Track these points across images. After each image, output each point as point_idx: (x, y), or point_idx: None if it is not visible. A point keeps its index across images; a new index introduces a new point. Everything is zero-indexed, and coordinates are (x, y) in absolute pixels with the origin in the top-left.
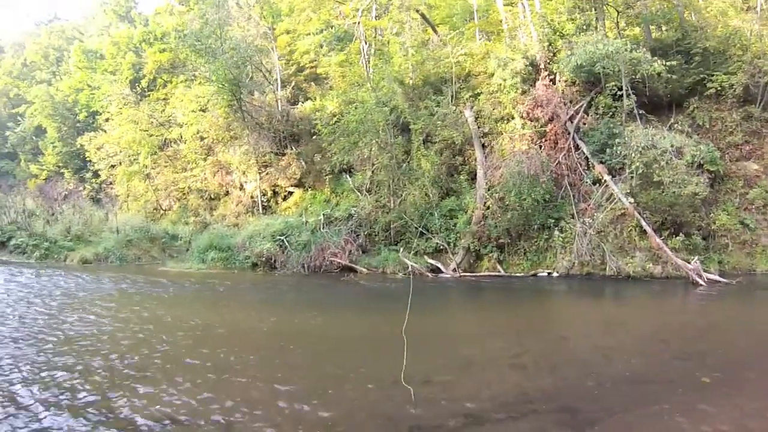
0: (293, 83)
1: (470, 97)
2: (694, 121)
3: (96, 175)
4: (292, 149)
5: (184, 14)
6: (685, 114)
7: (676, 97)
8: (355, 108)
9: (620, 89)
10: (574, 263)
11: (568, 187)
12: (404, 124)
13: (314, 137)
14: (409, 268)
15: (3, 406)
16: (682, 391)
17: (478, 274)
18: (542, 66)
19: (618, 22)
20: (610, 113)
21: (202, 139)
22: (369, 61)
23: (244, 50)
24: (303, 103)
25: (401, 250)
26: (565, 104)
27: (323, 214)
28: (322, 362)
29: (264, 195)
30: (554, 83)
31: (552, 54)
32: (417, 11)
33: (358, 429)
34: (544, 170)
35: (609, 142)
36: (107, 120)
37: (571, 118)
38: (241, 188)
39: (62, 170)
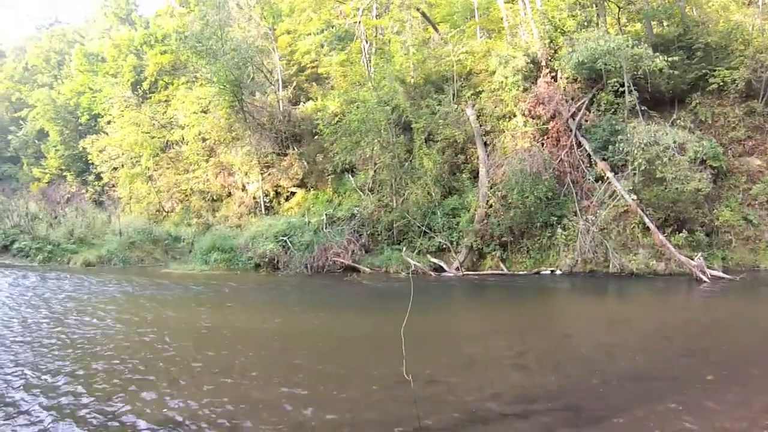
0: (294, 83)
1: (472, 95)
2: (696, 117)
3: (98, 177)
4: (294, 149)
5: (184, 16)
6: (687, 110)
7: (678, 92)
8: (357, 107)
9: (622, 86)
10: (577, 261)
11: (571, 185)
12: (406, 123)
13: (316, 137)
14: (412, 268)
15: (6, 411)
16: (687, 388)
17: (481, 272)
18: (544, 63)
19: (619, 18)
20: (612, 110)
21: (203, 140)
22: (370, 61)
23: (245, 51)
24: (304, 103)
25: (404, 249)
26: (566, 101)
27: (326, 214)
28: (326, 363)
29: (266, 196)
30: (556, 80)
31: (553, 51)
32: (418, 9)
33: (363, 431)
34: (546, 168)
35: (611, 139)
36: (109, 123)
37: (573, 115)
38: (244, 189)
39: (65, 173)
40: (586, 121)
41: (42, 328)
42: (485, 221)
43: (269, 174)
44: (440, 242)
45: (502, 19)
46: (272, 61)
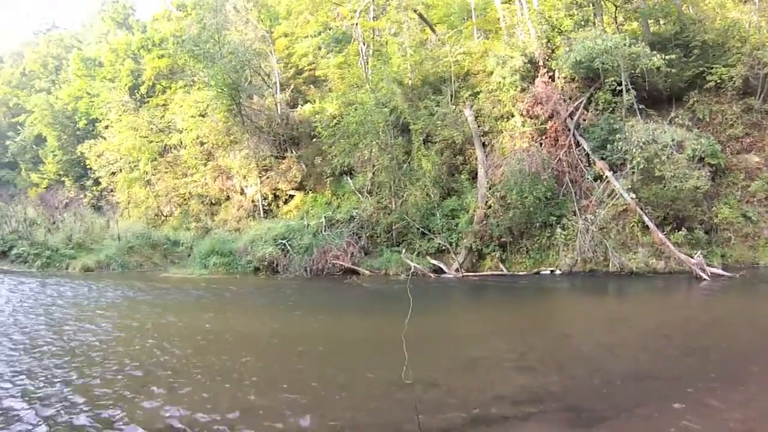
0: (292, 86)
1: (470, 95)
2: (694, 115)
3: (96, 182)
4: (292, 152)
5: (181, 20)
6: (685, 108)
7: (675, 90)
8: (355, 109)
9: (620, 84)
10: (576, 260)
11: (570, 184)
12: (404, 125)
13: (314, 140)
14: (412, 269)
15: (4, 419)
16: (690, 387)
17: (481, 273)
18: (541, 63)
19: (616, 17)
20: (610, 109)
21: (201, 144)
22: (367, 62)
23: (242, 54)
24: (302, 105)
25: (403, 251)
26: (564, 101)
27: (325, 217)
28: (328, 367)
29: (265, 199)
30: (553, 80)
31: (551, 51)
32: (415, 11)
33: None
34: (545, 168)
35: (609, 138)
36: (107, 127)
37: (571, 115)
38: (242, 193)
39: (63, 178)
40: (584, 120)
41: (41, 335)
42: (484, 222)
43: (268, 177)
44: (439, 244)
45: (499, 19)
46: (270, 64)
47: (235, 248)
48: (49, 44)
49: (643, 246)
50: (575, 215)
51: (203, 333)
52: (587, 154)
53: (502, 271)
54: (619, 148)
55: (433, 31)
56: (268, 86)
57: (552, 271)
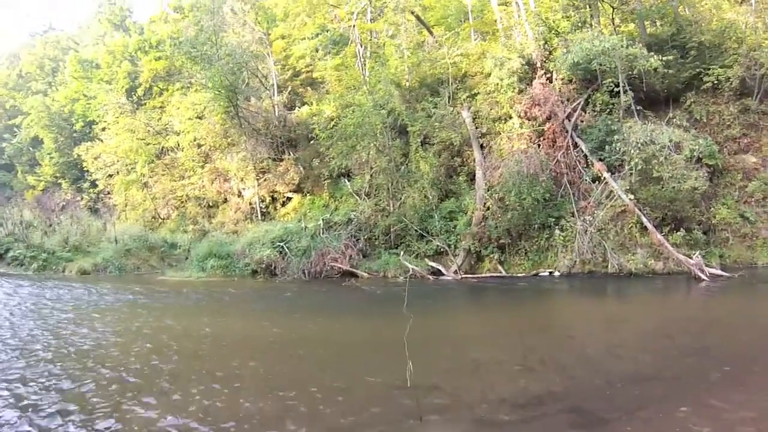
0: (289, 88)
1: (467, 97)
2: (691, 116)
3: (93, 184)
4: (289, 155)
5: (179, 22)
6: (682, 108)
7: (672, 92)
8: (353, 111)
9: (617, 86)
10: (575, 262)
11: (568, 186)
12: (402, 127)
13: (312, 142)
14: (410, 272)
15: (4, 423)
16: (692, 387)
17: (480, 275)
18: (538, 64)
19: (613, 18)
20: (608, 110)
21: (199, 146)
22: (365, 64)
23: (239, 56)
24: (300, 108)
25: (402, 253)
26: (562, 102)
27: (322, 219)
28: (327, 371)
29: (262, 201)
30: (551, 81)
31: (548, 52)
32: (412, 13)
33: None
34: (543, 169)
35: (607, 139)
36: (104, 129)
37: (568, 116)
38: (240, 195)
39: (59, 181)
40: (582, 121)
41: (36, 339)
42: (483, 224)
43: (265, 179)
44: (438, 246)
45: (496, 21)
46: (267, 66)
47: (233, 251)
48: (45, 46)
49: (641, 247)
50: (574, 216)
51: (201, 337)
52: (585, 156)
53: (500, 272)
54: (617, 149)
55: (431, 33)
56: (266, 88)
57: (551, 272)
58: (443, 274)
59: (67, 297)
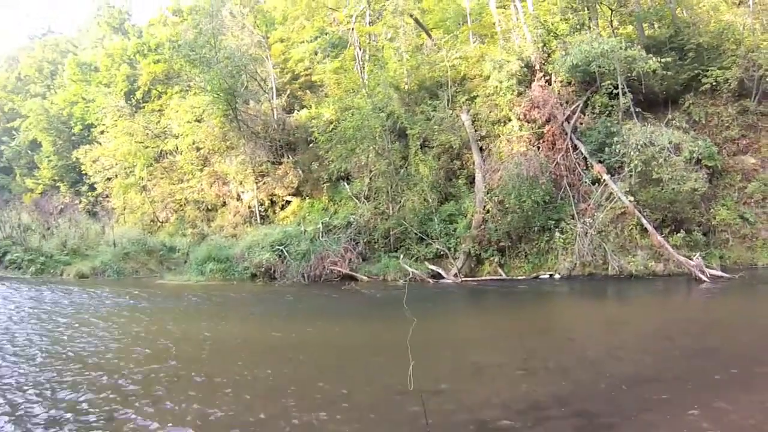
0: (288, 91)
1: (466, 100)
2: (690, 117)
3: (92, 188)
4: (288, 158)
5: (177, 25)
6: (681, 110)
7: (671, 93)
8: (352, 114)
9: (616, 88)
10: (575, 264)
11: (568, 188)
12: (401, 130)
13: (311, 145)
14: (410, 275)
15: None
16: (696, 389)
17: (480, 278)
18: (537, 67)
19: (612, 20)
20: (607, 112)
21: (198, 149)
22: (364, 67)
23: (238, 59)
24: (299, 111)
25: (401, 256)
26: (561, 105)
27: (322, 223)
28: (329, 376)
29: (261, 205)
30: (550, 84)
31: (547, 55)
32: (411, 16)
33: None
34: (542, 171)
35: (607, 141)
36: (102, 133)
37: (568, 119)
38: (239, 198)
39: (58, 184)
40: (581, 123)
41: (33, 343)
42: (482, 227)
43: (264, 183)
44: (438, 249)
45: (494, 24)
46: (266, 70)
47: (232, 254)
48: (44, 49)
49: (642, 249)
50: (574, 219)
51: (200, 342)
52: (585, 158)
53: (500, 275)
54: (617, 151)
55: (429, 36)
56: (265, 91)
57: (551, 275)
58: (443, 278)
59: (64, 301)
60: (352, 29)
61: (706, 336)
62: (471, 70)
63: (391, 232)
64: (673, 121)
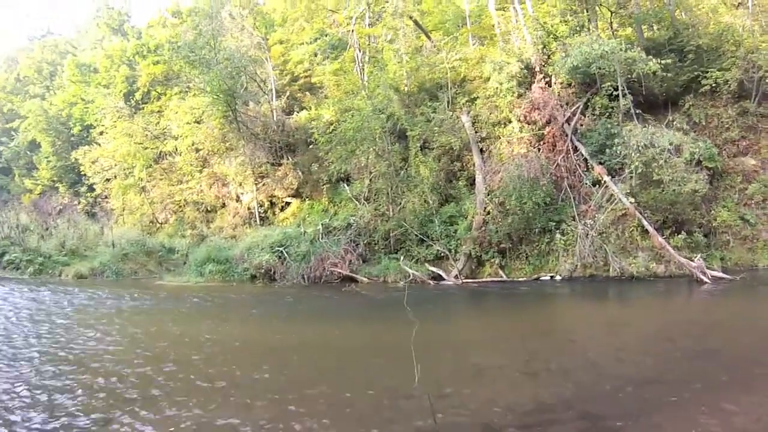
0: (288, 93)
1: (466, 102)
2: (690, 119)
3: (91, 189)
4: (288, 159)
5: (177, 26)
6: (681, 112)
7: (671, 95)
8: (351, 116)
9: (616, 89)
10: (576, 266)
11: (568, 190)
12: (401, 131)
13: (310, 147)
14: (410, 277)
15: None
16: (699, 390)
17: (481, 280)
18: (537, 69)
19: (611, 22)
20: (607, 114)
21: (197, 150)
22: (363, 69)
23: (238, 61)
24: (298, 112)
25: (402, 258)
26: (561, 106)
27: (322, 224)
28: (331, 379)
29: (261, 206)
30: (550, 85)
31: (546, 56)
32: (410, 18)
33: None
34: (543, 173)
35: (607, 143)
36: (101, 133)
37: (568, 120)
38: (238, 200)
39: (57, 185)
40: (582, 125)
41: (31, 345)
42: (483, 228)
43: (264, 184)
44: (438, 250)
45: (493, 26)
46: (265, 71)
47: (232, 256)
48: (43, 50)
49: (642, 250)
50: (574, 220)
51: (200, 343)
52: (585, 159)
53: (501, 277)
54: (617, 152)
55: (429, 37)
56: (264, 93)
57: (552, 276)
58: (444, 279)
59: (63, 302)
60: (352, 31)
61: (708, 337)
62: (471, 72)
63: (391, 234)
64: (674, 123)
